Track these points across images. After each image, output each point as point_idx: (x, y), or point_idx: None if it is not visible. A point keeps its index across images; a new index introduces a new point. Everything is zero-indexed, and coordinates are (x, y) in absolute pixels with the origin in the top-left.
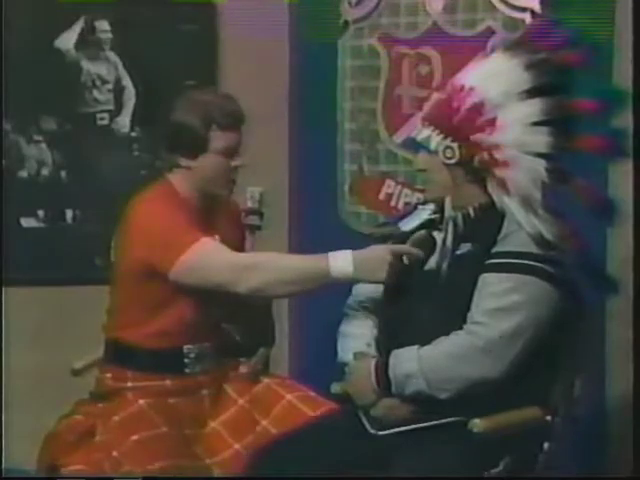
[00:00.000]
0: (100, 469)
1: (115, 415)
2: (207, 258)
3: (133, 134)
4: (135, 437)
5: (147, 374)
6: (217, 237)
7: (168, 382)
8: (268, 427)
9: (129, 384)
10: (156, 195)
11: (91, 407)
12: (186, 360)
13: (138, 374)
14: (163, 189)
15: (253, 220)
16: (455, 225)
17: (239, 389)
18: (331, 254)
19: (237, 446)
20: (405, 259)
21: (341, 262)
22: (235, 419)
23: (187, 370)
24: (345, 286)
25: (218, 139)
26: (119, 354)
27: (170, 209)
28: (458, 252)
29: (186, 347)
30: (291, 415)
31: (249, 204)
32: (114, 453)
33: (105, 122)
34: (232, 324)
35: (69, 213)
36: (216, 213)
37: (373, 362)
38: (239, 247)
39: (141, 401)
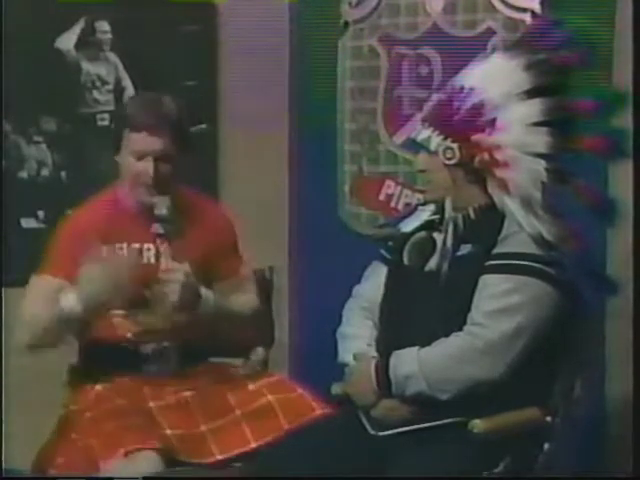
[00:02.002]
0: (68, 463)
1: (73, 405)
2: (27, 293)
3: None
4: (89, 414)
5: (106, 371)
6: (158, 246)
7: (126, 379)
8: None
9: (88, 379)
10: (90, 202)
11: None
12: (141, 359)
13: (98, 371)
14: (104, 196)
15: (157, 228)
16: (455, 226)
17: (235, 391)
18: (62, 295)
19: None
20: (405, 259)
21: (66, 300)
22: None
23: (144, 369)
24: (345, 287)
25: (130, 139)
26: (81, 354)
27: (83, 220)
28: (458, 253)
29: (142, 346)
30: (270, 416)
31: (155, 213)
32: (73, 436)
33: (105, 123)
34: (238, 327)
35: (69, 213)
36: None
37: (373, 363)
38: (199, 255)
39: (97, 386)
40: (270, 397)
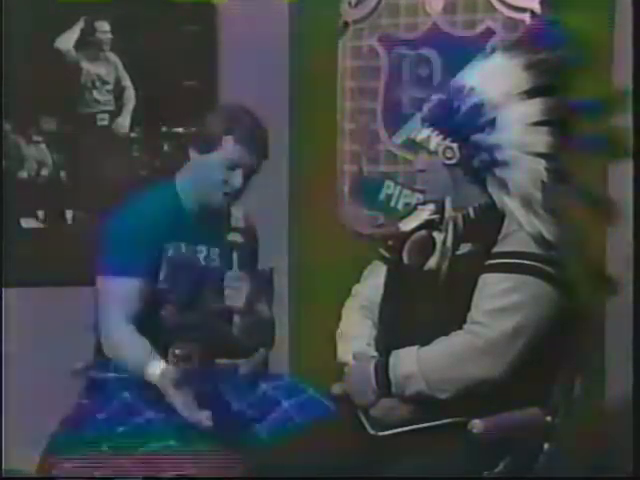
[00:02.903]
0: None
1: (101, 411)
2: (105, 303)
3: (133, 135)
4: (121, 429)
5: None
6: (210, 249)
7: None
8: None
9: (110, 374)
10: (147, 195)
11: (81, 404)
12: (169, 358)
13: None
14: (163, 188)
15: (234, 237)
16: (455, 225)
17: (236, 391)
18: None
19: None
20: (405, 258)
21: (151, 370)
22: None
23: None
24: (344, 286)
25: (229, 146)
26: (102, 351)
27: (144, 214)
28: (458, 252)
29: (172, 346)
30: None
31: (232, 223)
32: (103, 447)
33: (105, 123)
34: (231, 325)
35: (69, 213)
36: (217, 225)
37: (373, 362)
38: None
39: (125, 393)
40: (285, 404)
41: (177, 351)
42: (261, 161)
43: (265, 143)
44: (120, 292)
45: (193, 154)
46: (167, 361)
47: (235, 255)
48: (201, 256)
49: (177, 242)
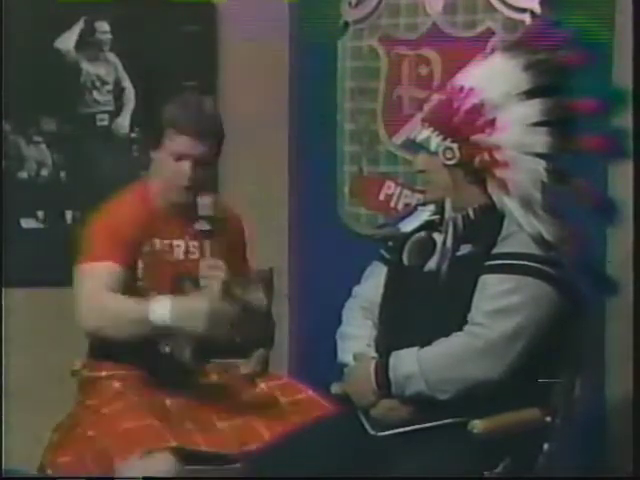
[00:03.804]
0: (83, 458)
1: (89, 400)
2: (83, 280)
3: (133, 135)
4: (105, 410)
5: (123, 365)
6: (188, 242)
7: (143, 373)
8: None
9: (104, 373)
10: (125, 196)
11: (74, 404)
12: (159, 356)
13: (114, 365)
14: (135, 189)
15: (202, 225)
16: (455, 226)
17: (238, 391)
18: (154, 300)
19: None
20: (405, 259)
21: (159, 309)
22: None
23: (161, 365)
24: (344, 287)
25: (171, 140)
26: (95, 348)
27: (119, 213)
28: (458, 253)
29: (162, 344)
30: (284, 419)
31: (199, 212)
32: (89, 433)
33: (105, 123)
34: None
35: (69, 214)
36: (192, 218)
37: (373, 363)
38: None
39: (116, 384)
40: (283, 400)
41: (167, 348)
42: (215, 149)
43: (215, 129)
44: (100, 270)
45: (151, 152)
46: (158, 359)
47: (207, 243)
48: (179, 250)
49: (152, 239)
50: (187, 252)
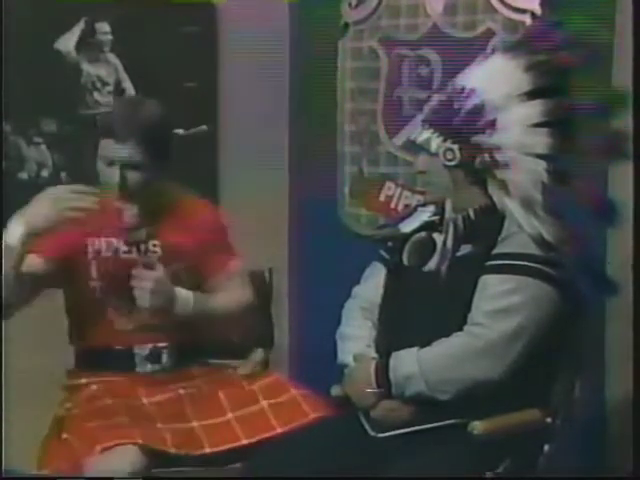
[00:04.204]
0: (59, 463)
1: (67, 404)
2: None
3: None
4: (76, 411)
5: (100, 372)
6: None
7: (120, 379)
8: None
9: (83, 380)
10: None
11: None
12: (136, 359)
13: (92, 373)
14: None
15: (132, 236)
16: (455, 227)
17: (229, 393)
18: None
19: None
20: (405, 260)
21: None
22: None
23: (138, 369)
24: (344, 288)
25: (102, 146)
26: (80, 357)
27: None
28: (458, 254)
29: (137, 346)
30: (262, 418)
31: (124, 219)
32: (63, 436)
33: None
34: (230, 326)
35: None
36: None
37: (373, 364)
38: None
39: (93, 386)
40: (264, 402)
41: (142, 352)
42: (148, 153)
43: (145, 132)
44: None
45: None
46: (135, 363)
47: (136, 254)
48: (140, 249)
49: (107, 239)
50: (146, 251)
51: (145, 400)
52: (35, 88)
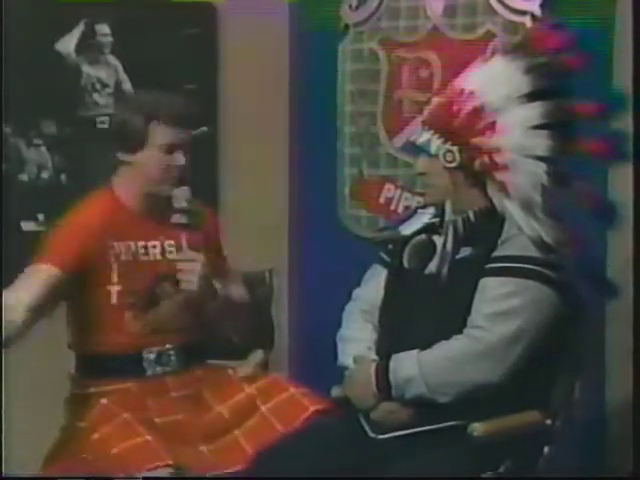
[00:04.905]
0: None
1: (79, 422)
2: (18, 279)
3: None
4: (97, 436)
5: (109, 379)
6: (164, 242)
7: (130, 384)
8: (241, 440)
9: (92, 390)
10: (88, 204)
11: (65, 421)
12: (145, 363)
13: (100, 380)
14: (101, 194)
15: (179, 218)
16: (455, 229)
17: (218, 395)
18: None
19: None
20: (405, 262)
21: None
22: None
23: (148, 373)
24: (344, 290)
25: (159, 134)
26: (81, 364)
27: (82, 221)
28: (458, 256)
29: (145, 350)
30: (266, 428)
31: (175, 204)
32: (83, 455)
33: (105, 126)
34: (230, 326)
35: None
36: (168, 217)
37: (373, 366)
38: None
39: (103, 400)
40: (263, 408)
41: (152, 356)
42: (190, 131)
43: (185, 108)
44: (35, 271)
45: (123, 156)
46: (143, 367)
47: (183, 237)
48: (156, 251)
49: (124, 242)
50: (163, 252)
51: (158, 419)
52: (35, 90)
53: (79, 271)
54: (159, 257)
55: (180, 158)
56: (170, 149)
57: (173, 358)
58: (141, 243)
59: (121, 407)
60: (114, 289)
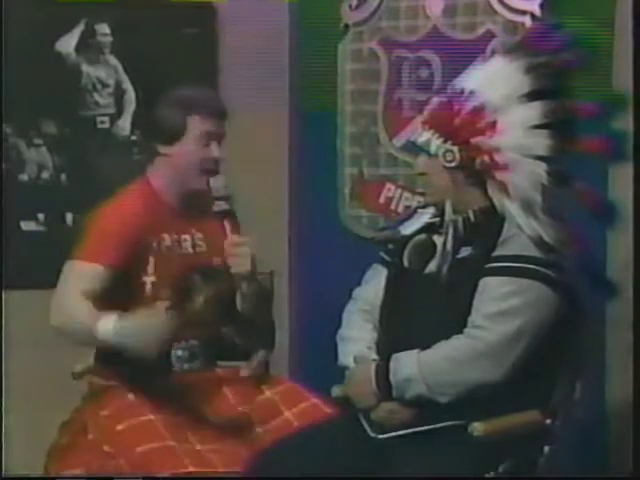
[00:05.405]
0: (91, 468)
1: (103, 410)
2: (63, 276)
3: (133, 137)
4: (120, 427)
5: (133, 374)
6: (194, 235)
7: (156, 380)
8: (264, 436)
9: (115, 382)
10: (126, 196)
11: (82, 409)
12: (174, 359)
13: (123, 375)
14: (138, 188)
15: (221, 206)
16: (455, 228)
17: (239, 394)
18: (103, 316)
19: (233, 442)
20: (405, 262)
21: (103, 325)
22: (234, 424)
23: (175, 368)
24: (345, 290)
25: (196, 125)
26: (107, 357)
27: (118, 213)
28: (458, 256)
29: (175, 345)
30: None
31: (214, 194)
32: (105, 448)
33: (105, 125)
34: (232, 327)
35: (69, 216)
36: (198, 210)
37: (373, 366)
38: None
39: (130, 395)
40: (287, 413)
41: (180, 352)
42: (224, 124)
43: (221, 102)
44: (82, 270)
45: (162, 148)
46: (170, 363)
47: (227, 224)
48: (187, 245)
49: (160, 235)
50: (194, 246)
51: (183, 420)
52: (35, 89)
53: (121, 265)
54: (190, 251)
55: (215, 149)
56: (207, 141)
57: (200, 356)
58: (175, 236)
59: (146, 407)
60: (149, 280)
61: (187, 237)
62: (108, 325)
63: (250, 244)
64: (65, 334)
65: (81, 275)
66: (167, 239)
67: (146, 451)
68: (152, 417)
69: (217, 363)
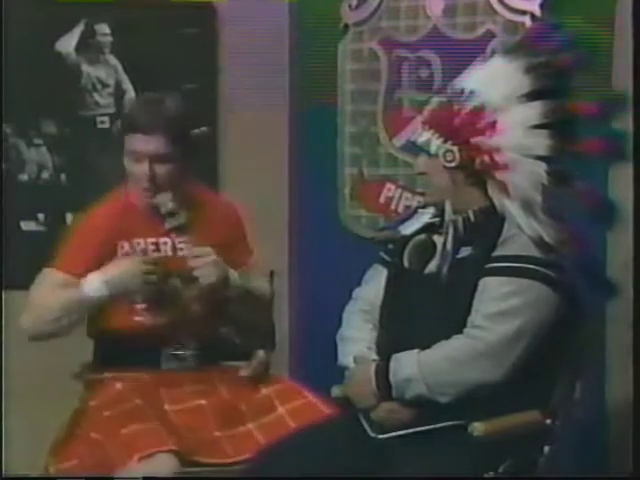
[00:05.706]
0: (84, 461)
1: (92, 401)
2: (37, 283)
3: None
4: (107, 413)
5: (124, 368)
6: (175, 239)
7: (145, 375)
8: (257, 431)
9: (108, 375)
10: (104, 204)
11: (78, 405)
12: (162, 357)
13: (118, 367)
14: (114, 195)
15: (172, 223)
16: (455, 228)
17: (238, 393)
18: (84, 279)
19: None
20: (405, 262)
21: (93, 283)
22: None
23: (163, 366)
24: (345, 290)
25: (128, 143)
26: (100, 352)
27: (96, 225)
28: (458, 256)
29: (165, 347)
30: (281, 426)
31: (162, 211)
32: (92, 435)
33: (105, 125)
34: (232, 327)
35: (69, 216)
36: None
37: (373, 366)
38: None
39: (118, 384)
40: (281, 409)
41: (169, 353)
42: (173, 146)
43: (170, 124)
44: (54, 281)
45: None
46: (161, 363)
47: (179, 239)
48: (166, 248)
49: (132, 239)
50: (175, 249)
51: (168, 407)
52: (35, 89)
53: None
54: (170, 253)
55: (146, 167)
56: (138, 158)
57: (190, 358)
58: (151, 240)
59: (134, 393)
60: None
61: (167, 240)
62: (94, 282)
63: (210, 252)
64: (35, 335)
65: (54, 284)
66: (142, 243)
67: (130, 433)
68: (139, 402)
69: (213, 364)
